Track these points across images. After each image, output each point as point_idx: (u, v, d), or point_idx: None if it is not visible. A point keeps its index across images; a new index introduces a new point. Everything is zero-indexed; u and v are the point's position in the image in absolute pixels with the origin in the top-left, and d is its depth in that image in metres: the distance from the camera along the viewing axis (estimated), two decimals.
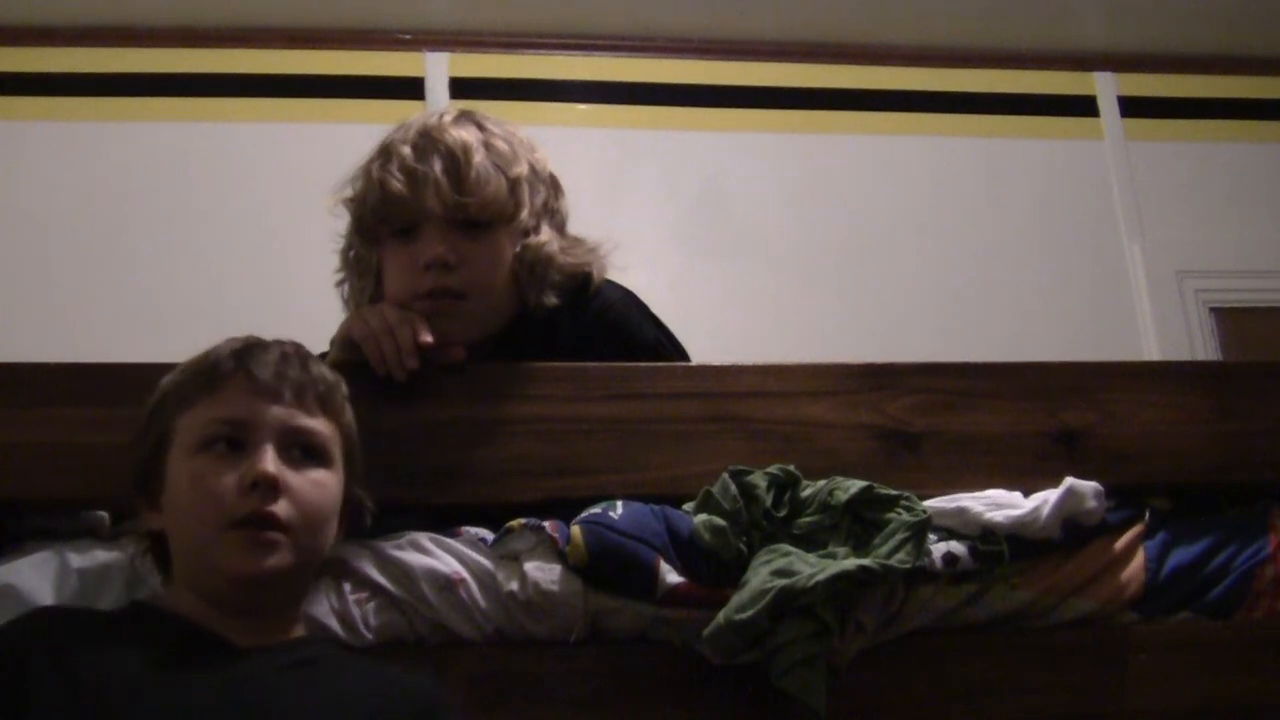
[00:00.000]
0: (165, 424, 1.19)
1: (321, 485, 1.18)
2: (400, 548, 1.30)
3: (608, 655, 1.30)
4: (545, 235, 1.55)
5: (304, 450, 1.18)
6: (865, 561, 1.26)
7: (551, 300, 1.54)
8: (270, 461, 1.14)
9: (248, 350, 1.21)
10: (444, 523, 1.35)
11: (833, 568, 1.25)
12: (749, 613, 1.23)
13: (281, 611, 1.18)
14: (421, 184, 1.47)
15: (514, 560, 1.30)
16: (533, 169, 1.55)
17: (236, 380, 1.18)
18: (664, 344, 1.60)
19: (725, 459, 1.37)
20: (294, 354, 1.23)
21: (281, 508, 1.13)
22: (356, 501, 1.25)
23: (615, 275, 1.62)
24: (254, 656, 1.12)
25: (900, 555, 1.28)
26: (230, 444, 1.16)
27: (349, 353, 1.43)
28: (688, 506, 1.36)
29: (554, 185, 1.61)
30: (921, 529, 1.30)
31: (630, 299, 1.61)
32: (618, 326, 1.57)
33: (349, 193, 1.56)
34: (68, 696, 1.03)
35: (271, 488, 1.13)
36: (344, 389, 1.25)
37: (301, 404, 1.19)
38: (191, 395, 1.19)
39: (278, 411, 1.17)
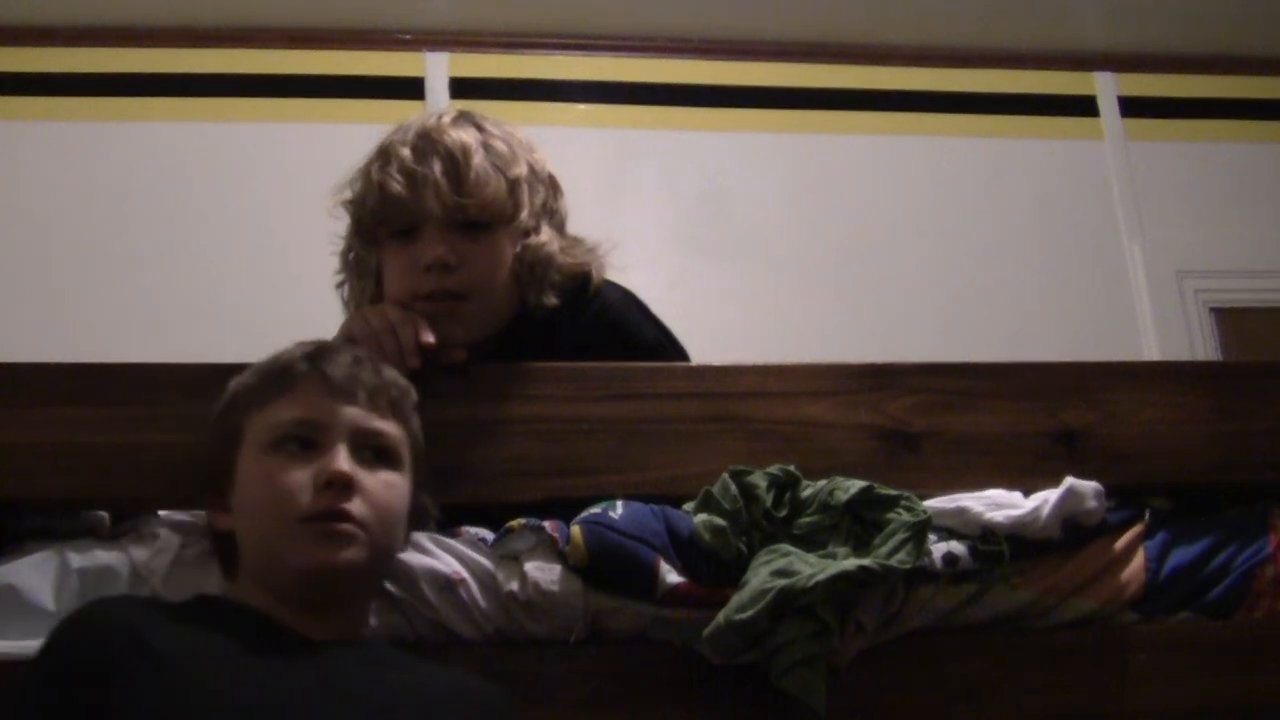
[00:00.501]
0: (236, 424, 1.20)
1: (393, 486, 1.19)
2: None
3: (608, 655, 1.30)
4: (545, 235, 1.55)
5: (375, 452, 1.19)
6: (865, 562, 1.26)
7: (551, 300, 1.54)
8: (344, 461, 1.15)
9: (321, 352, 1.22)
10: (444, 523, 1.35)
11: (833, 568, 1.25)
12: (749, 613, 1.23)
13: (350, 611, 1.19)
14: (421, 185, 1.47)
15: (514, 560, 1.30)
16: (532, 169, 1.55)
17: (310, 381, 1.19)
18: (664, 344, 1.60)
19: (725, 459, 1.37)
20: (366, 359, 1.24)
21: (355, 505, 1.14)
22: (422, 508, 1.26)
23: (615, 275, 1.62)
24: (333, 650, 1.13)
25: (900, 555, 1.28)
26: (303, 444, 1.16)
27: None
28: (688, 506, 1.36)
29: (553, 185, 1.60)
30: (921, 529, 1.30)
31: (630, 299, 1.61)
32: (618, 327, 1.57)
33: (348, 195, 1.56)
34: (155, 678, 1.03)
35: (346, 486, 1.14)
36: (414, 396, 1.26)
37: (375, 406, 1.20)
38: (264, 396, 1.20)
39: (351, 412, 1.18)
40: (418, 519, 1.26)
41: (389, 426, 1.21)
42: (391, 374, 1.25)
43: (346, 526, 1.13)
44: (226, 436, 1.21)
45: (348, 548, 1.13)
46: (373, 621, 1.27)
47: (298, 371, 1.20)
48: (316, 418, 1.17)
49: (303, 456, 1.16)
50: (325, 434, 1.17)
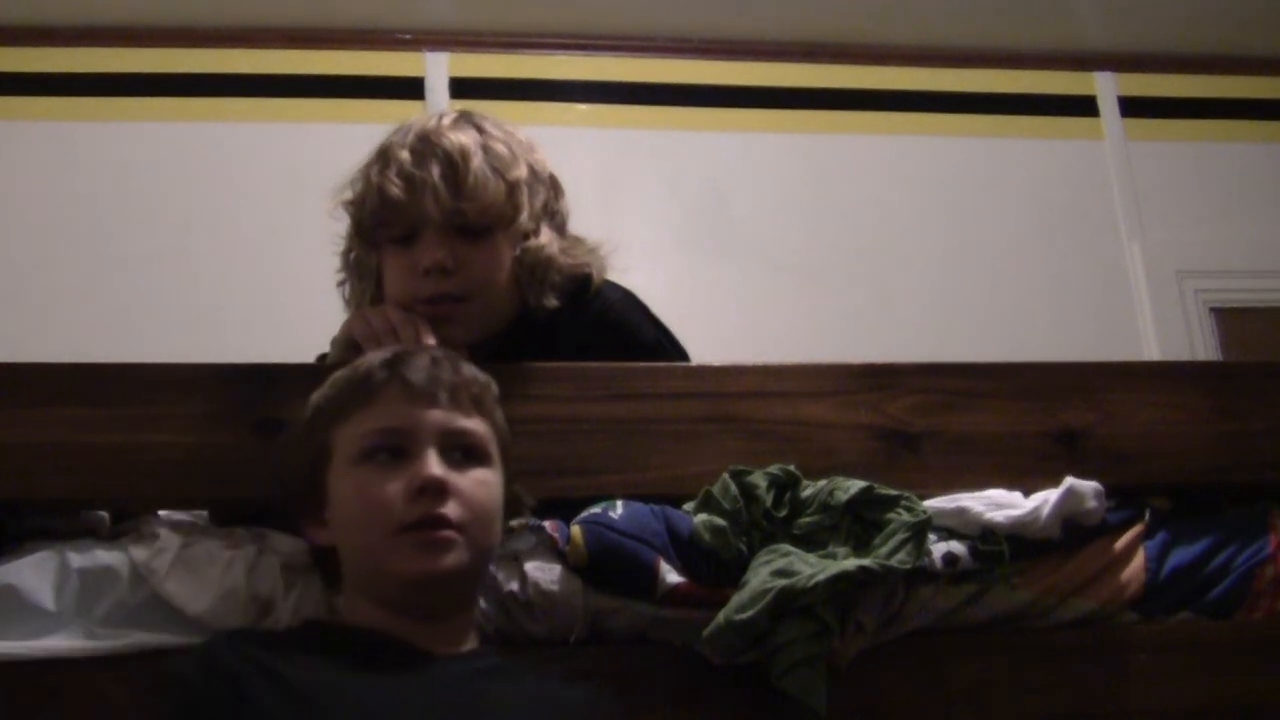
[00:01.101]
0: (323, 439, 1.20)
1: (486, 484, 1.19)
2: None
3: (608, 655, 1.30)
4: (545, 237, 1.55)
5: (464, 451, 1.18)
6: (865, 562, 1.26)
7: (552, 302, 1.54)
8: (435, 465, 1.15)
9: (399, 358, 1.22)
10: None
11: (833, 568, 1.25)
12: (749, 613, 1.23)
13: (459, 615, 1.19)
14: (420, 190, 1.46)
15: (514, 560, 1.30)
16: (532, 171, 1.55)
17: (391, 388, 1.19)
18: (664, 344, 1.60)
19: (725, 459, 1.37)
20: (443, 358, 1.23)
21: (451, 509, 1.14)
22: (515, 498, 1.26)
23: (615, 275, 1.62)
24: (449, 662, 1.13)
25: (900, 556, 1.28)
26: (392, 453, 1.16)
27: (350, 353, 1.43)
28: (688, 506, 1.36)
29: (554, 186, 1.60)
30: (922, 529, 1.30)
31: (630, 299, 1.61)
32: (618, 327, 1.57)
33: (348, 195, 1.56)
34: (287, 708, 1.03)
35: (440, 491, 1.14)
36: (494, 389, 1.26)
37: (458, 406, 1.19)
38: (347, 408, 1.20)
39: (436, 415, 1.18)
40: (512, 509, 1.26)
41: (474, 424, 1.20)
42: (470, 369, 1.24)
43: (445, 533, 1.13)
44: (314, 452, 1.20)
45: (449, 553, 1.13)
46: None
47: (377, 380, 1.20)
48: (401, 425, 1.17)
49: (393, 465, 1.15)
50: (412, 440, 1.16)
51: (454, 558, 1.13)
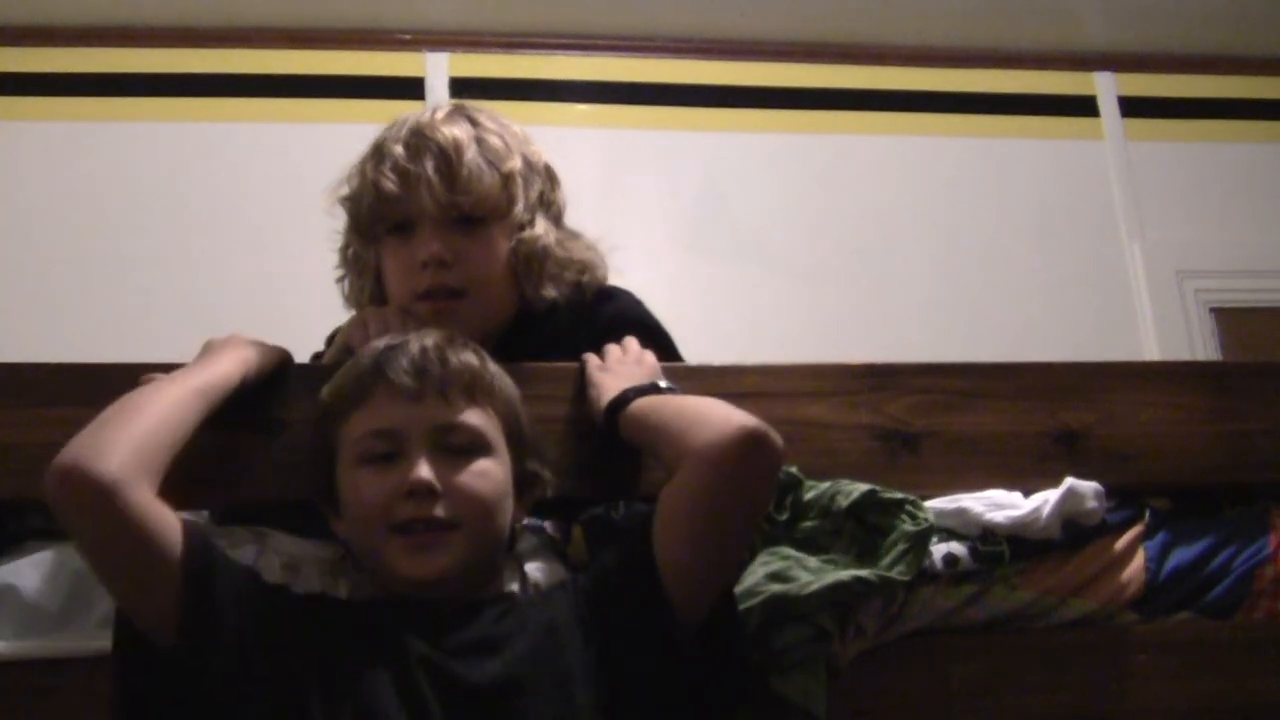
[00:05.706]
0: (329, 438, 1.22)
1: (485, 474, 1.18)
2: None
3: None
4: (540, 228, 1.54)
5: (461, 445, 1.18)
6: (862, 573, 1.25)
7: (550, 293, 1.54)
8: (424, 469, 1.15)
9: (385, 356, 1.21)
10: None
11: (829, 577, 1.25)
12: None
13: (474, 593, 1.18)
14: (414, 183, 1.47)
15: (515, 561, 1.30)
16: (527, 162, 1.55)
17: (380, 388, 1.19)
18: (670, 339, 1.60)
19: None
20: (432, 349, 1.21)
21: (442, 509, 1.14)
22: (532, 475, 1.25)
23: (615, 276, 1.62)
24: (454, 619, 1.14)
25: (900, 567, 1.27)
26: (386, 454, 1.17)
27: (344, 354, 1.43)
28: None
29: (549, 176, 1.60)
30: (923, 539, 1.29)
31: (635, 297, 1.61)
32: (638, 323, 1.54)
33: (345, 191, 1.56)
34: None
35: (428, 493, 1.14)
36: (491, 368, 1.24)
37: (447, 400, 1.18)
38: (345, 408, 1.21)
39: (424, 414, 1.17)
40: (529, 487, 1.25)
41: (468, 416, 1.19)
42: (460, 358, 1.22)
43: (436, 534, 1.14)
44: (325, 450, 1.22)
45: (440, 554, 1.14)
46: None
47: (367, 380, 1.20)
48: (391, 426, 1.17)
49: (387, 467, 1.16)
50: (403, 441, 1.16)
51: (445, 558, 1.14)
